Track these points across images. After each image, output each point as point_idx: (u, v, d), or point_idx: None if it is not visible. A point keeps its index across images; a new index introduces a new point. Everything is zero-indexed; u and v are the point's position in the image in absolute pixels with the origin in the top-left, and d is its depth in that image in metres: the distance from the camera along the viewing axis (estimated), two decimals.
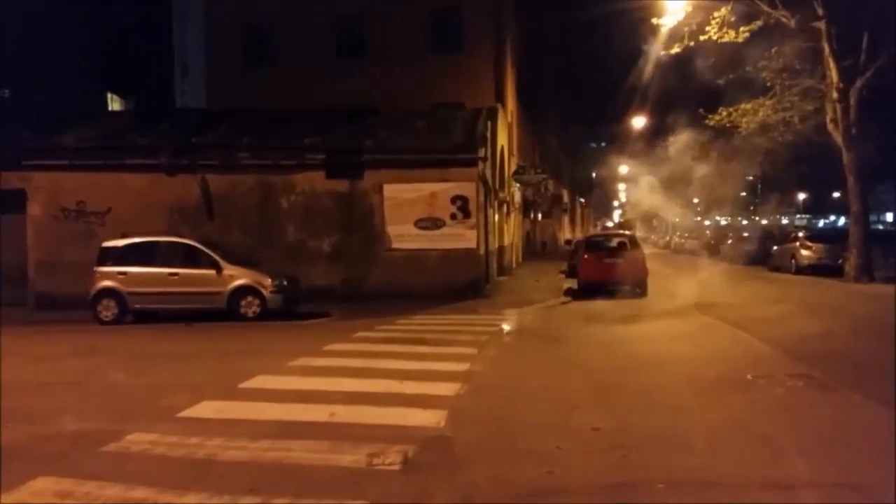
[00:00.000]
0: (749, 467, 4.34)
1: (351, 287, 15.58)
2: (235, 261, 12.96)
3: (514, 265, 24.68)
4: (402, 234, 16.23)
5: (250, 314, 12.40)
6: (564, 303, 15.19)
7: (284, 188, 16.55)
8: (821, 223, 49.34)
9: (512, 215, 25.05)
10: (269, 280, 12.67)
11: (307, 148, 16.88)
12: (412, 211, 16.30)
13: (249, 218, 16.41)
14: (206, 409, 6.01)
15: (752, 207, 45.53)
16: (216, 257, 12.69)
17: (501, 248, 21.48)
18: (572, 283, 17.59)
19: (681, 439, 4.95)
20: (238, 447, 4.89)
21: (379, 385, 6.78)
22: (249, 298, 12.48)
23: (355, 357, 8.41)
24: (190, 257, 12.76)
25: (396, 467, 4.42)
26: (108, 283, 12.80)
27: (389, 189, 16.36)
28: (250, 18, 22.80)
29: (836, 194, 41.64)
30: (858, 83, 20.34)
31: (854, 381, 6.63)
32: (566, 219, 44.17)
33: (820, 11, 19.99)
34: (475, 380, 7.03)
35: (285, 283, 12.89)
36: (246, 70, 22.80)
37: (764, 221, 46.24)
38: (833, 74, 20.48)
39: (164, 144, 16.71)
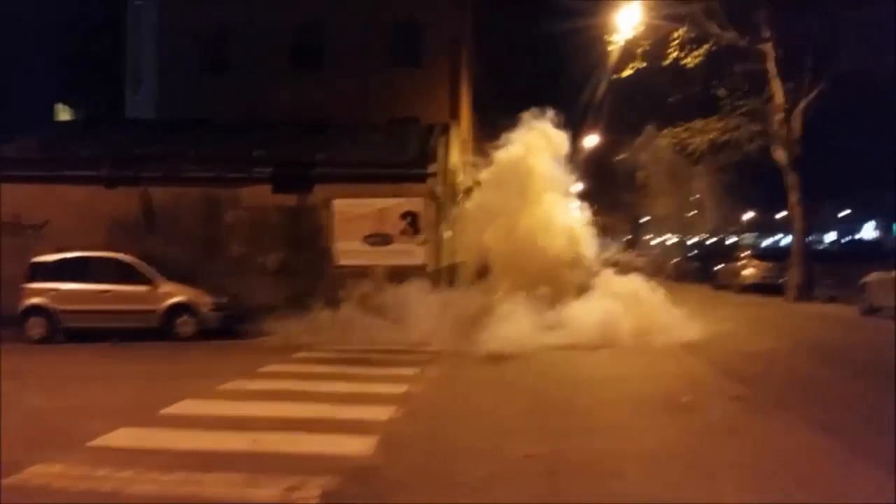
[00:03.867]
0: (680, 493, 4.23)
1: (297, 304, 15.17)
2: (174, 277, 12.48)
3: (465, 281, 24.47)
4: (351, 251, 15.90)
5: (185, 333, 11.92)
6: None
7: (230, 202, 16.08)
8: (766, 242, 50.47)
9: (464, 233, 24.89)
10: (208, 297, 12.24)
11: (255, 160, 16.48)
12: (361, 226, 16.00)
13: (193, 232, 15.88)
14: (122, 438, 5.66)
15: (698, 226, 46.43)
16: (151, 274, 12.21)
17: (453, 265, 21.30)
18: None
19: (614, 464, 4.81)
20: (148, 480, 4.58)
21: (311, 410, 6.50)
22: (185, 317, 12.01)
23: (291, 379, 8.11)
24: (124, 273, 12.23)
25: (314, 502, 4.17)
26: (36, 300, 12.17)
27: (339, 204, 16.04)
28: (203, 26, 22.24)
29: (782, 214, 42.72)
30: (802, 104, 20.90)
31: (790, 404, 6.61)
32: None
33: (766, 34, 20.53)
34: (412, 403, 6.81)
35: (225, 300, 12.48)
36: (198, 79, 22.22)
37: (712, 239, 47.17)
38: (778, 96, 21.02)
39: (105, 156, 16.13)
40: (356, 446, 5.23)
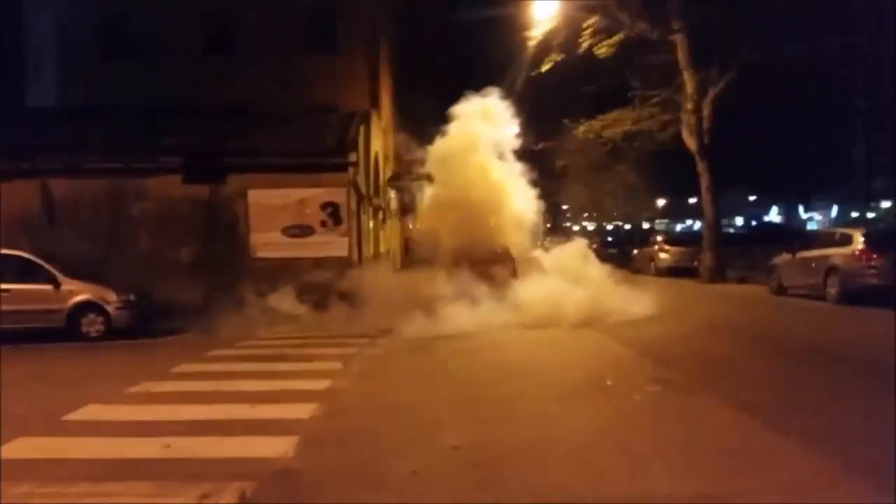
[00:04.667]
0: (610, 481, 4.20)
1: (213, 300, 14.58)
2: (78, 274, 11.75)
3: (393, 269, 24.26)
4: (269, 243, 15.43)
5: (93, 333, 11.25)
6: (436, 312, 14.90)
7: (137, 193, 15.30)
8: (679, 227, 52.29)
9: (388, 222, 24.67)
10: (115, 295, 11.57)
11: (163, 149, 15.72)
12: (280, 218, 15.54)
13: (98, 227, 15.04)
14: (22, 448, 5.22)
15: (615, 213, 47.76)
16: (54, 271, 11.44)
17: (377, 256, 21.04)
18: None
19: (542, 453, 4.75)
20: (49, 493, 4.24)
21: (226, 411, 6.18)
22: (92, 316, 11.32)
23: (205, 379, 7.73)
24: (24, 271, 11.39)
25: None
26: None
27: (255, 195, 15.52)
28: (108, 7, 21.02)
29: (693, 200, 44.36)
30: (711, 94, 21.67)
31: (711, 384, 6.77)
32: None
33: (676, 25, 21.12)
34: (334, 399, 6.58)
35: (133, 297, 11.84)
36: (103, 64, 20.97)
37: (627, 226, 48.59)
38: (688, 86, 21.71)
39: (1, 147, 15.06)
40: (275, 448, 4.98)
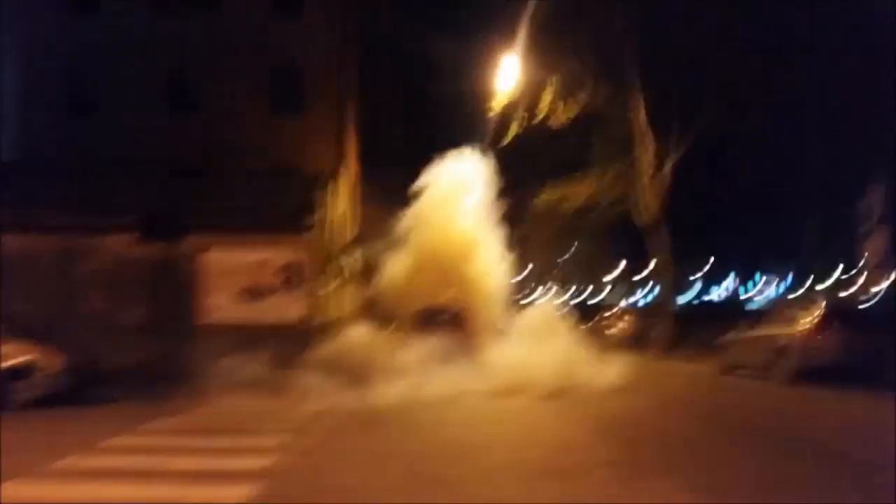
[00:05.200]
0: None
1: (162, 365, 14.01)
2: (17, 334, 11.18)
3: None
4: (224, 306, 15.00)
5: (25, 400, 10.59)
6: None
7: (90, 251, 14.87)
8: (630, 299, 52.36)
9: (350, 284, 24.35)
10: (53, 358, 11.02)
11: (119, 207, 15.36)
12: (236, 280, 15.19)
13: (47, 285, 14.51)
14: None
15: (572, 281, 48.14)
16: None
17: (339, 320, 20.64)
18: None
19: None
20: None
21: (155, 492, 5.77)
22: (23, 381, 10.68)
23: (136, 454, 7.24)
24: None
25: None
26: None
27: (210, 255, 15.19)
28: (72, 64, 20.88)
29: (641, 275, 45.03)
30: (666, 169, 22.20)
31: (666, 468, 6.58)
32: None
33: (634, 97, 21.79)
34: (274, 479, 6.17)
35: (73, 362, 11.28)
36: (64, 120, 20.70)
37: (581, 296, 48.81)
38: (643, 160, 22.24)
39: None
40: None
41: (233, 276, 15.21)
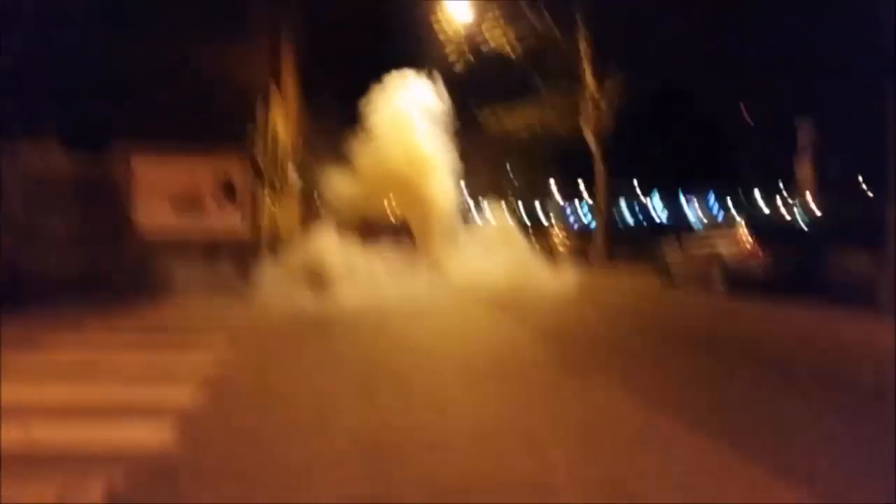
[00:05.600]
0: (510, 468, 4.05)
1: (93, 278, 13.53)
2: None
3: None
4: (156, 217, 14.49)
5: None
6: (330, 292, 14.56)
7: (10, 160, 13.99)
8: (569, 210, 53.50)
9: (287, 199, 23.87)
10: None
11: (43, 114, 14.37)
12: (169, 191, 14.63)
13: None
14: None
15: (509, 193, 48.53)
16: None
17: (275, 234, 20.30)
18: None
19: (442, 442, 4.54)
20: None
21: (97, 391, 5.65)
22: None
23: (76, 353, 7.06)
24: None
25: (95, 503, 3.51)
26: None
27: (141, 164, 14.52)
28: None
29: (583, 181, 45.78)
30: (609, 87, 22.30)
31: (608, 370, 6.81)
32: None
33: (578, 17, 21.57)
34: (218, 382, 6.13)
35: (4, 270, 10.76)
36: None
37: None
38: (588, 78, 22.26)
39: None
40: (149, 436, 4.53)
41: (165, 185, 14.65)
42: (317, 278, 12.47)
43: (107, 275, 12.66)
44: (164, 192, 14.55)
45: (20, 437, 4.46)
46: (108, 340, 7.85)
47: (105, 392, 5.65)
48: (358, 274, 12.76)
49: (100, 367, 6.53)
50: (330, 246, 14.17)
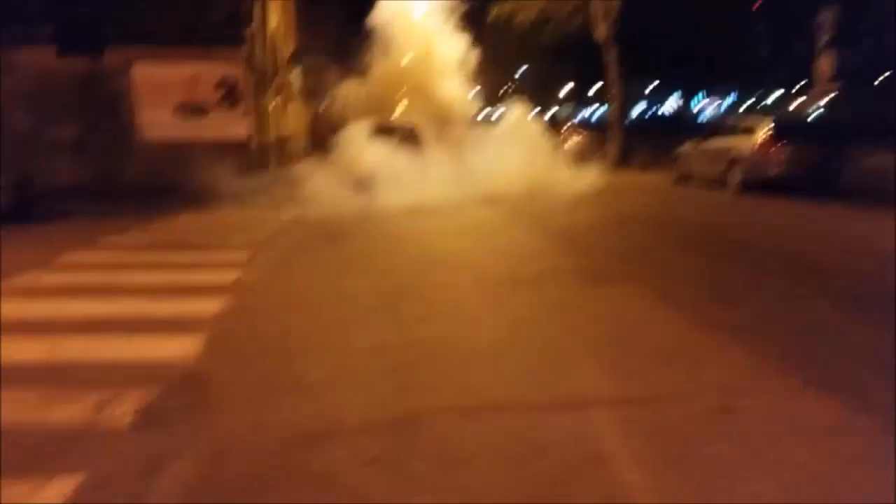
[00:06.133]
0: (535, 383, 4.01)
1: (101, 184, 13.41)
2: None
3: (296, 158, 23.21)
4: (159, 123, 14.21)
5: None
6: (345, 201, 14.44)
7: (7, 67, 13.57)
8: (581, 113, 52.40)
9: (292, 103, 23.31)
10: None
11: (32, 16, 13.83)
12: (170, 96, 14.28)
13: None
14: None
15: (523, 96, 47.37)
16: None
17: (280, 140, 19.95)
18: None
19: (466, 354, 4.52)
20: None
21: (122, 306, 5.63)
22: None
23: (96, 270, 7.04)
24: None
25: (128, 420, 3.52)
26: None
27: (141, 69, 14.10)
28: None
29: (598, 85, 44.57)
30: None
31: (631, 275, 6.73)
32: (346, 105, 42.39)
33: None
34: (242, 293, 6.12)
35: (9, 180, 10.58)
36: None
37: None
38: None
39: None
40: (177, 349, 4.54)
41: (166, 91, 14.30)
42: (360, 179, 12.38)
43: (115, 183, 12.52)
44: (167, 98, 14.20)
45: (46, 355, 4.46)
46: (125, 259, 7.76)
47: (128, 309, 5.61)
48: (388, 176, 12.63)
49: (121, 281, 6.49)
50: (367, 148, 13.95)
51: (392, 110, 18.11)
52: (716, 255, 7.78)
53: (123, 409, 3.61)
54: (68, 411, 3.61)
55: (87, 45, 13.92)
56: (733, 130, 15.10)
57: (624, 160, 21.23)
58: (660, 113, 50.92)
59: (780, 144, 13.35)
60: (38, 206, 11.13)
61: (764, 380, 3.99)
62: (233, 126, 14.63)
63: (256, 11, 16.43)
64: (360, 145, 14.04)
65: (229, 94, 14.64)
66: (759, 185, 13.23)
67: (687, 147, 16.30)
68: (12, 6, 13.80)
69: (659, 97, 53.99)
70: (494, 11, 23.73)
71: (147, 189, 12.45)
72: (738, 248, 8.29)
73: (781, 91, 44.42)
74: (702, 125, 24.48)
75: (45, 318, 5.31)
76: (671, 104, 53.95)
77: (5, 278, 6.54)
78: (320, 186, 12.65)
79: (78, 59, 13.81)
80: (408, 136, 15.22)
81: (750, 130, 14.22)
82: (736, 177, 13.90)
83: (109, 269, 7.09)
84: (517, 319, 5.31)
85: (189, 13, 14.74)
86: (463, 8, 20.73)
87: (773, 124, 14.04)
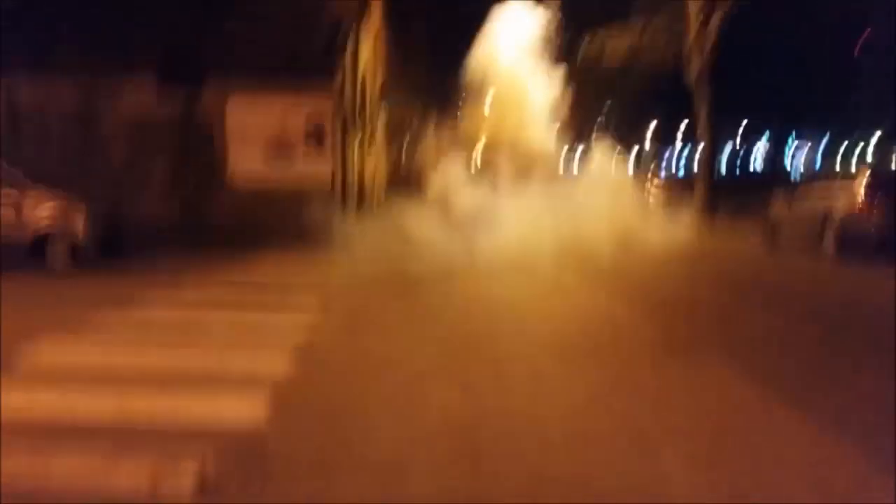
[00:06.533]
0: (621, 470, 3.68)
1: (189, 220, 13.84)
2: (42, 189, 10.84)
3: (376, 200, 23.51)
4: (248, 161, 14.59)
5: (58, 251, 10.45)
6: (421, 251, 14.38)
7: (107, 98, 14.26)
8: (665, 154, 51.26)
9: (375, 144, 23.67)
10: (83, 213, 10.73)
11: (136, 44, 14.40)
12: (260, 134, 14.65)
13: (65, 134, 14.08)
14: None
15: (606, 135, 46.69)
16: (14, 186, 10.46)
17: (362, 181, 20.24)
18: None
19: (540, 434, 4.24)
20: None
21: (193, 358, 5.64)
22: (57, 235, 10.46)
23: (173, 312, 7.13)
24: None
25: (189, 489, 3.43)
26: None
27: (234, 104, 14.51)
28: None
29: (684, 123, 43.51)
30: (717, 15, 20.59)
31: (719, 348, 6.30)
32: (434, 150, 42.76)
33: None
34: (312, 350, 6.03)
35: (103, 216, 10.99)
36: None
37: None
38: (692, 4, 20.63)
39: None
40: (242, 411, 4.44)
41: (257, 128, 14.68)
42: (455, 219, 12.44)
43: (202, 222, 12.90)
44: (257, 135, 14.58)
45: (114, 410, 4.46)
46: (204, 299, 7.86)
47: (199, 358, 5.62)
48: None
49: (195, 329, 6.53)
50: (447, 192, 14.04)
51: (475, 150, 18.15)
52: (813, 330, 7.21)
53: (184, 477, 3.52)
54: (131, 477, 3.55)
55: (186, 77, 14.45)
56: (826, 182, 14.14)
57: (711, 210, 20.41)
58: (750, 157, 49.27)
59: (879, 198, 12.34)
60: (126, 240, 11.57)
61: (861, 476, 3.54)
62: (318, 164, 14.89)
63: (350, 44, 16.78)
64: (440, 188, 14.06)
65: (316, 132, 14.92)
66: (858, 246, 12.14)
67: (777, 201, 15.36)
68: (115, 37, 14.48)
69: (748, 139, 52.31)
70: (583, 49, 23.56)
71: (232, 227, 12.76)
72: (838, 322, 7.67)
73: (878, 134, 42.14)
74: (792, 174, 23.37)
75: (116, 366, 5.34)
76: (761, 148, 52.13)
77: (88, 313, 6.70)
78: (398, 230, 12.71)
79: (176, 91, 14.35)
80: (489, 178, 15.17)
81: (845, 183, 13.27)
82: (831, 238, 12.86)
83: (185, 311, 7.18)
84: (594, 395, 4.96)
85: (286, 43, 15.13)
86: (551, 46, 20.62)
87: (870, 175, 13.04)
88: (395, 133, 25.83)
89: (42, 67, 14.04)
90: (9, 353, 5.59)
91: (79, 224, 10.63)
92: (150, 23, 14.80)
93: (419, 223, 13.03)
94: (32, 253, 10.38)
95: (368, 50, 21.29)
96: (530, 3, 20.10)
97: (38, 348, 5.77)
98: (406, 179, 18.75)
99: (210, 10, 15.74)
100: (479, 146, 19.65)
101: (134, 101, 14.31)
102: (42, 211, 10.53)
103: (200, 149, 14.44)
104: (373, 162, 21.25)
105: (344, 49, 15.96)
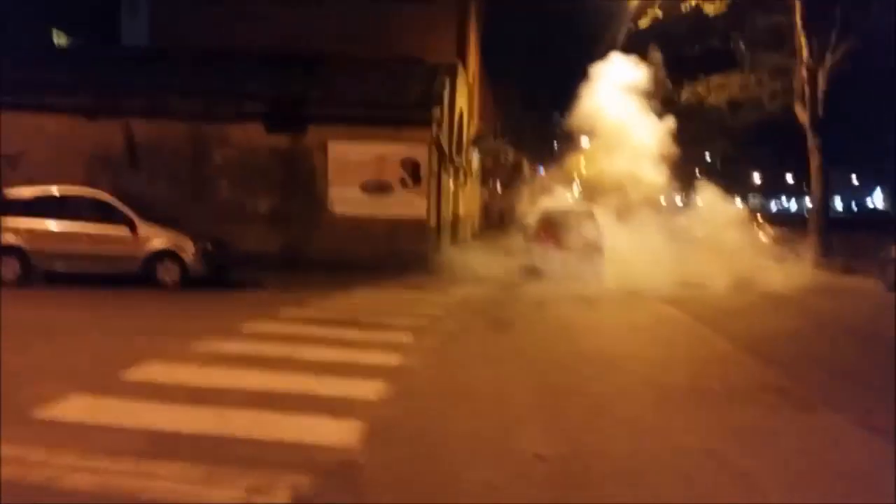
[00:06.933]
0: None
1: (289, 254, 14.38)
2: (156, 220, 11.55)
3: (469, 237, 23.70)
4: (347, 198, 15.06)
5: (168, 281, 11.07)
6: (517, 284, 14.31)
7: (219, 140, 15.17)
8: (773, 205, 49.41)
9: (468, 184, 23.97)
10: (192, 243, 11.29)
11: (247, 95, 15.43)
12: (359, 173, 15.13)
13: (179, 172, 15.01)
14: (72, 407, 4.91)
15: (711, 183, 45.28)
16: (132, 215, 11.24)
17: (456, 219, 20.46)
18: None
19: (640, 474, 4.04)
20: (89, 469, 3.85)
21: (291, 381, 5.75)
22: (168, 263, 11.08)
23: (273, 342, 7.30)
24: (102, 213, 11.25)
25: None
26: (10, 238, 11.24)
27: (335, 147, 15.12)
28: None
29: (789, 175, 41.69)
30: (828, 62, 19.78)
31: (833, 399, 5.85)
32: (526, 190, 42.98)
33: None
34: (406, 378, 6.05)
35: (210, 247, 11.54)
36: (193, 8, 20.86)
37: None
38: (803, 51, 19.87)
39: (86, 84, 15.09)
40: (336, 433, 4.50)
41: (356, 168, 15.16)
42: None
43: (303, 255, 13.35)
44: (356, 175, 15.05)
45: (214, 427, 4.57)
46: (300, 333, 8.03)
47: (295, 385, 5.70)
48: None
49: (291, 360, 6.64)
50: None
51: (570, 193, 17.99)
52: None
53: (277, 497, 3.54)
54: (226, 493, 3.60)
55: (291, 123, 15.20)
56: None
57: (824, 258, 19.27)
58: (865, 206, 46.67)
59: None
60: (231, 272, 12.06)
61: None
62: (413, 204, 15.17)
63: (445, 93, 17.16)
64: (541, 221, 14.07)
65: (412, 174, 15.24)
66: None
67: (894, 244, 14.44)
68: (228, 86, 15.45)
69: (861, 189, 49.73)
70: (686, 92, 23.09)
71: (331, 262, 13.15)
72: None
73: None
74: None
75: (217, 388, 5.50)
76: (875, 198, 49.34)
77: (192, 342, 6.97)
78: (491, 267, 12.68)
79: (282, 136, 15.11)
80: (583, 222, 14.92)
81: None
82: None
83: (285, 341, 7.33)
84: (694, 446, 4.62)
85: (383, 94, 15.75)
86: (654, 95, 20.31)
87: None
88: (487, 175, 26.08)
89: (162, 113, 15.05)
90: (133, 362, 5.89)
91: (187, 253, 11.17)
92: (260, 77, 15.74)
93: (502, 260, 13.04)
94: (144, 275, 11.00)
95: (464, 96, 21.70)
96: (633, 56, 19.89)
97: (152, 365, 6.07)
98: (500, 217, 18.85)
99: (314, 66, 16.61)
100: (580, 182, 19.49)
101: (243, 145, 15.11)
102: (155, 243, 11.15)
103: (303, 187, 15.05)
104: (466, 202, 21.46)
105: (441, 96, 16.34)
